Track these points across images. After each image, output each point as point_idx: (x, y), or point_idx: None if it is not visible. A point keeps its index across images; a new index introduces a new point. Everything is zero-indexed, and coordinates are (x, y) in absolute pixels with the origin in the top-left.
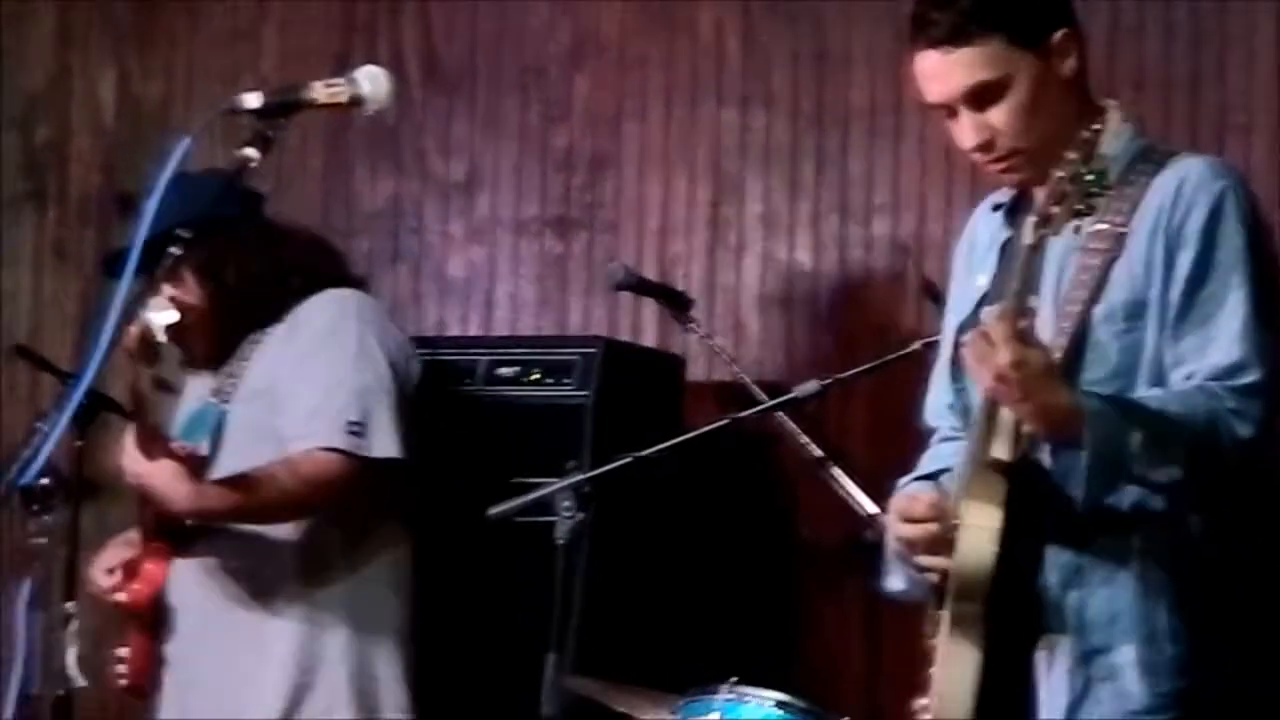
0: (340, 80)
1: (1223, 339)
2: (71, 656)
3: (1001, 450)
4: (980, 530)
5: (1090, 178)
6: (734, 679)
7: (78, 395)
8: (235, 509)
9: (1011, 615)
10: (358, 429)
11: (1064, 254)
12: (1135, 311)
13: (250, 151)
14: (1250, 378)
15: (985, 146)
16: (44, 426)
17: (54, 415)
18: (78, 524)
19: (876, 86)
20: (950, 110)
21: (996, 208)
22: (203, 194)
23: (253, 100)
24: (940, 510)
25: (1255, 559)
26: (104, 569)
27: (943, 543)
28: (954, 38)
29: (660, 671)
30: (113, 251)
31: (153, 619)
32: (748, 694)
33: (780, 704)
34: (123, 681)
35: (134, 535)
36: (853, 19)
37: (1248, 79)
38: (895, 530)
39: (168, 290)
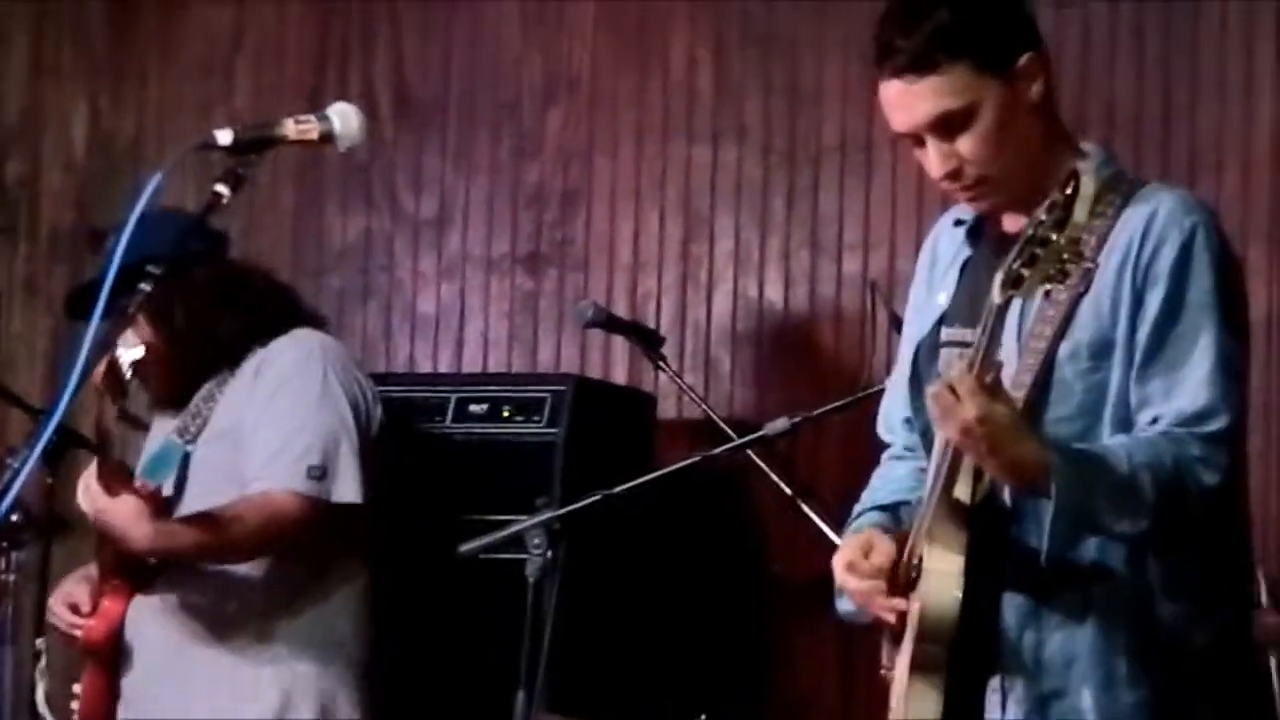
0: (311, 117)
1: (1190, 383)
2: (41, 693)
3: (963, 490)
4: (945, 575)
5: (1065, 247)
6: (703, 716)
7: (48, 431)
8: (194, 548)
9: (968, 654)
10: (318, 473)
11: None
12: (1101, 351)
13: (222, 188)
14: (1217, 425)
15: (953, 175)
16: (14, 463)
17: (24, 451)
18: (48, 560)
19: (848, 123)
20: (917, 139)
21: (958, 223)
22: (161, 233)
23: (224, 137)
24: (889, 562)
25: (1218, 606)
26: (63, 602)
27: (897, 584)
28: (918, 66)
29: (631, 708)
30: (74, 289)
31: (109, 656)
32: None
33: None
34: (77, 712)
35: (94, 569)
36: (825, 55)
37: (1219, 116)
38: (842, 580)
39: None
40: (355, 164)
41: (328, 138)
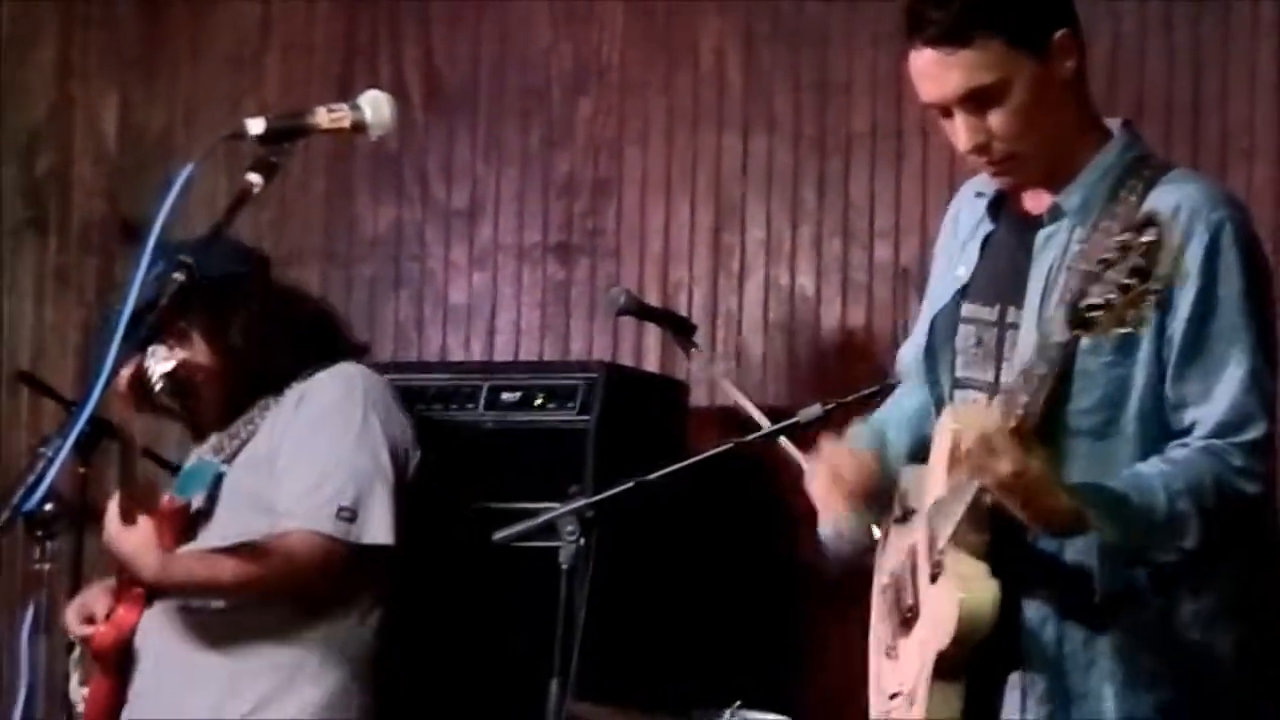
0: (343, 106)
1: (1227, 388)
2: (74, 683)
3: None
4: (976, 581)
5: (1149, 299)
6: (738, 703)
7: (81, 422)
8: (200, 586)
9: (987, 650)
10: (348, 515)
11: (1053, 264)
12: (1125, 346)
13: (254, 177)
14: (1255, 432)
15: (981, 149)
16: (47, 453)
17: (57, 442)
18: (81, 550)
19: (878, 111)
20: (944, 110)
21: (979, 195)
22: (208, 253)
23: (256, 126)
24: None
25: (1244, 609)
26: (78, 613)
27: (865, 496)
28: (952, 38)
29: (664, 695)
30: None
31: (116, 662)
32: (752, 717)
33: None
34: (81, 711)
35: (113, 581)
36: (854, 44)
37: (1250, 104)
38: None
39: (178, 353)
40: (386, 154)
41: (360, 126)
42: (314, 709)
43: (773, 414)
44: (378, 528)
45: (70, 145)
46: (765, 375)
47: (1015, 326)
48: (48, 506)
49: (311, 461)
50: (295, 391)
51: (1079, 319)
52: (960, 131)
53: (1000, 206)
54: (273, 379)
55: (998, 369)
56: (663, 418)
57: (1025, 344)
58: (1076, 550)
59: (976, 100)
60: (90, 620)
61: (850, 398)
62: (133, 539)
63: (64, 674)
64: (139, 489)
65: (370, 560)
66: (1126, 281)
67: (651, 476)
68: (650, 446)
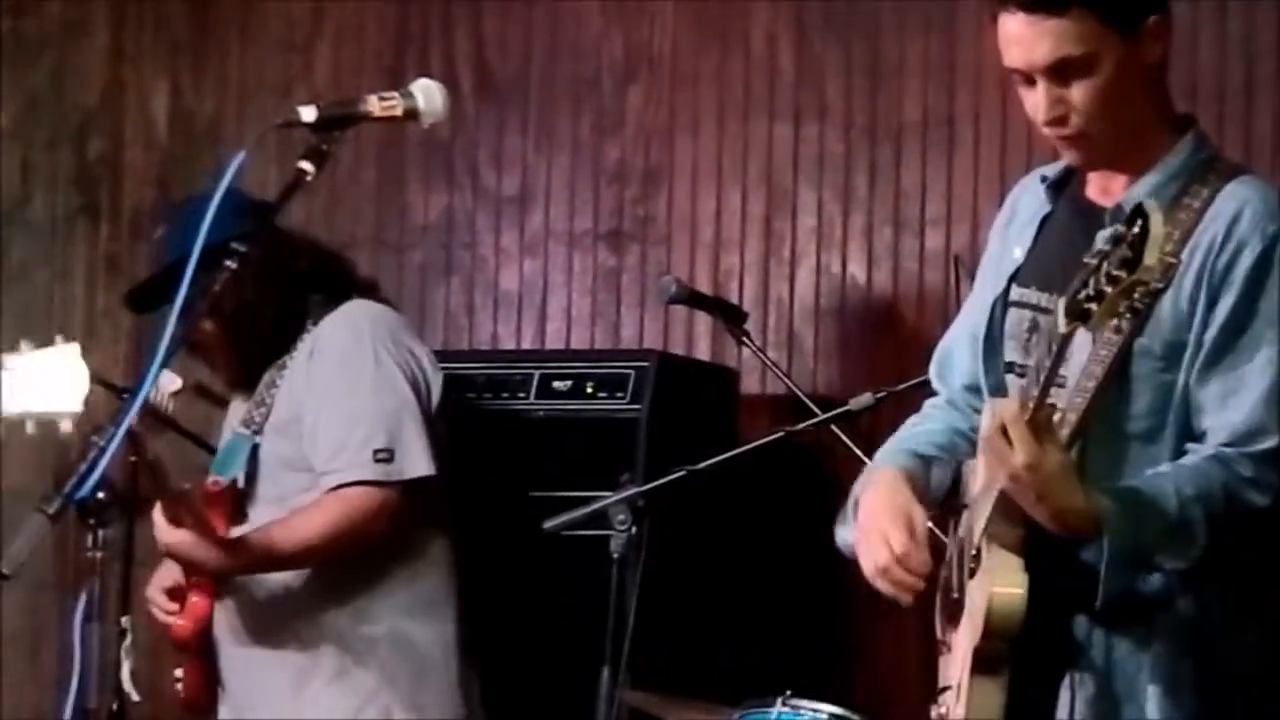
0: (395, 94)
1: (1246, 397)
2: (126, 671)
3: None
4: (1008, 574)
5: (1134, 287)
6: (788, 692)
7: (133, 410)
8: (264, 563)
9: (1038, 650)
10: (385, 455)
11: None
12: (1173, 353)
13: (306, 165)
14: (1267, 444)
15: (1058, 121)
16: (99, 441)
17: (109, 430)
18: (133, 538)
19: (930, 98)
20: (1027, 78)
21: (1044, 179)
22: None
23: (308, 114)
24: (929, 548)
25: (1265, 619)
26: (161, 588)
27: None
28: (1048, 5)
29: (715, 684)
30: (132, 288)
31: (201, 650)
32: (802, 707)
33: (834, 717)
34: (181, 696)
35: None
36: (906, 31)
37: None
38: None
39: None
40: (437, 142)
41: (411, 114)
42: (406, 656)
43: (824, 402)
44: (416, 460)
45: (121, 132)
46: (816, 363)
47: (1055, 406)
48: (100, 495)
49: (336, 414)
50: (305, 344)
51: (1075, 310)
52: (1040, 101)
53: (1061, 190)
54: (281, 334)
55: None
56: (714, 406)
57: (1080, 340)
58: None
59: (1061, 71)
60: (174, 593)
61: (901, 386)
62: (186, 540)
63: (116, 661)
64: (179, 490)
65: (418, 494)
66: (1116, 273)
67: (702, 465)
68: (701, 435)
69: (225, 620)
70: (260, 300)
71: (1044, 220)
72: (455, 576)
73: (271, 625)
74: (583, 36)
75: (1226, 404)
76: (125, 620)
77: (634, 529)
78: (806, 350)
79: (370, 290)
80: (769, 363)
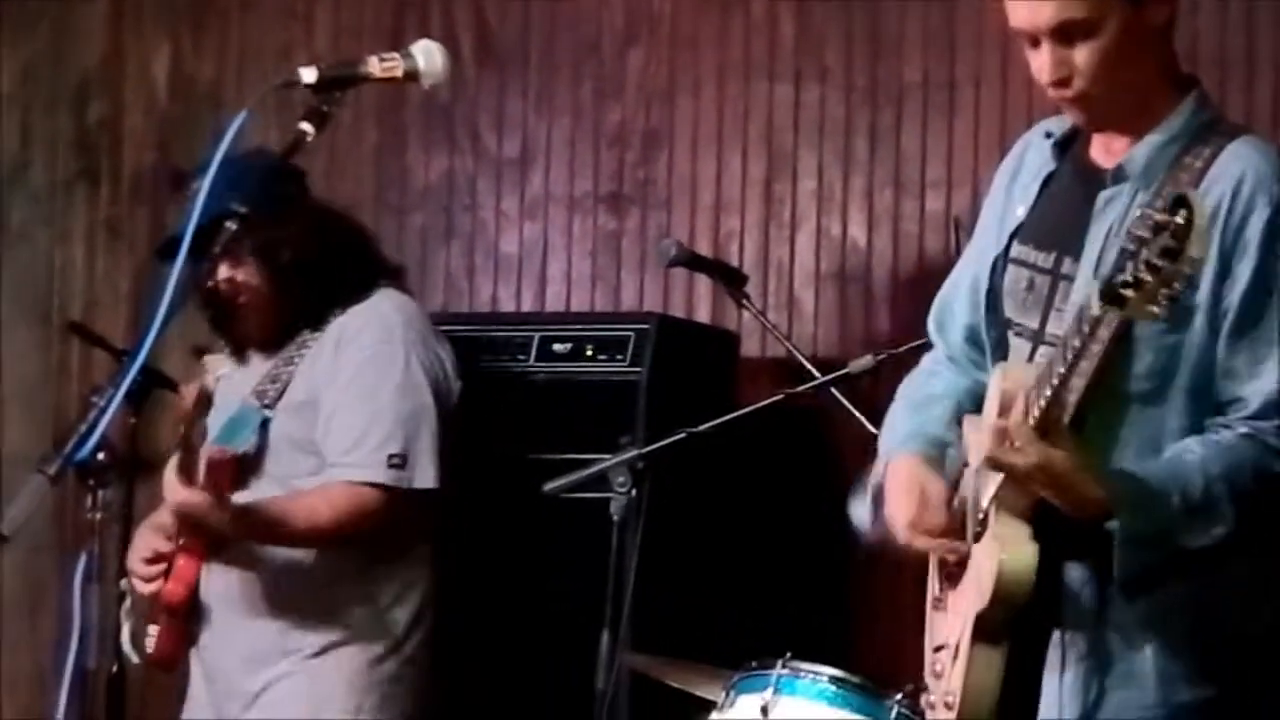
0: (395, 55)
1: (1277, 366)
2: (126, 632)
3: None
4: (1017, 542)
5: (1177, 276)
6: (788, 655)
7: (132, 372)
8: (268, 536)
9: (1029, 610)
10: (399, 461)
11: (1112, 227)
12: (1180, 315)
13: (306, 126)
14: None
15: (1062, 82)
16: (99, 403)
17: (109, 392)
18: (133, 500)
19: (930, 62)
20: (1032, 39)
21: (1048, 135)
22: (254, 175)
23: (308, 75)
24: (945, 512)
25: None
26: (142, 557)
27: (950, 529)
28: None
29: (715, 647)
30: (166, 237)
31: (186, 613)
32: (802, 670)
33: (835, 680)
34: (150, 654)
35: (164, 518)
36: None
37: None
38: (907, 537)
39: (226, 271)
40: (437, 104)
41: (412, 75)
42: (377, 651)
43: (824, 364)
44: (425, 472)
45: (121, 96)
46: (816, 326)
47: (1069, 279)
48: (99, 456)
49: (358, 411)
50: (334, 328)
51: (1111, 295)
52: (1045, 62)
53: (1066, 149)
54: (315, 305)
55: (1044, 316)
56: (714, 369)
57: (1077, 300)
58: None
59: (1066, 33)
60: (157, 558)
61: (901, 348)
62: (197, 497)
63: (115, 623)
64: (193, 460)
65: (419, 503)
66: (1157, 262)
67: (702, 428)
68: (701, 398)
69: (216, 584)
70: (313, 257)
71: (1047, 179)
72: (429, 600)
73: (260, 594)
74: None
75: (1257, 373)
76: (124, 582)
77: (634, 491)
78: (806, 313)
79: (397, 277)
80: (769, 325)
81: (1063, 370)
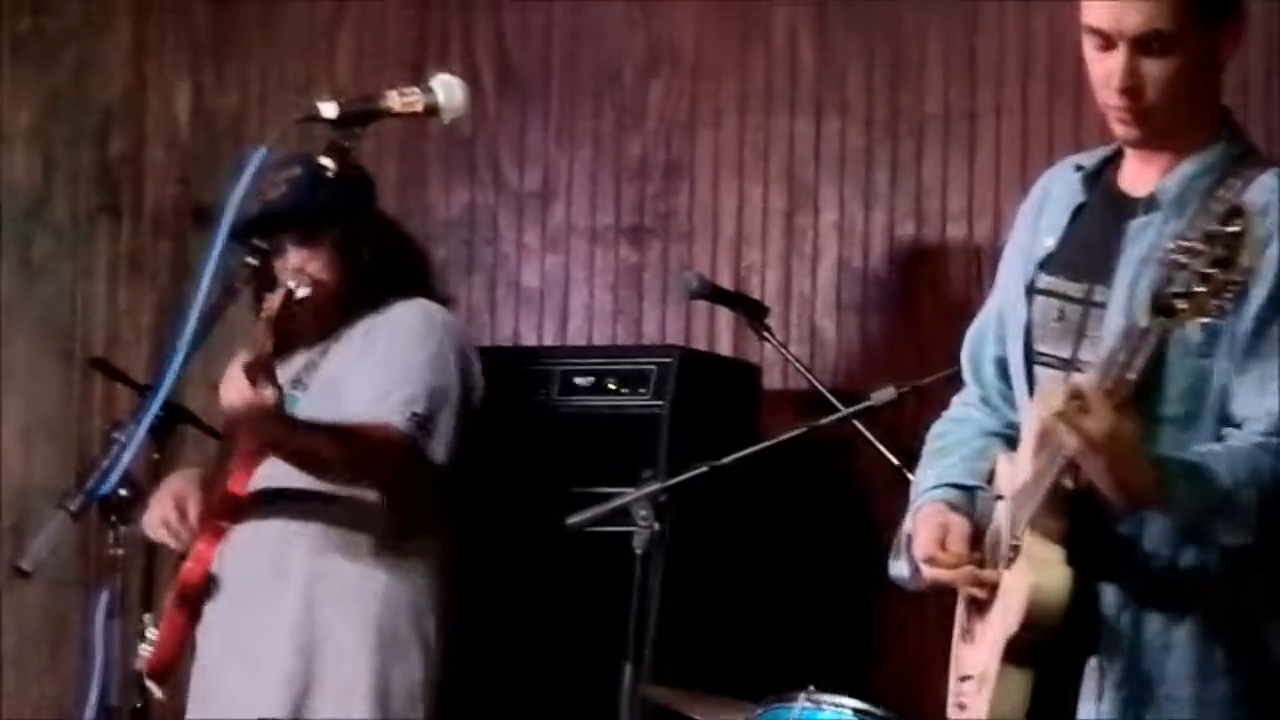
0: (415, 90)
1: None
2: (140, 655)
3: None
4: (1051, 565)
5: (1228, 284)
6: (811, 687)
7: (154, 407)
8: (315, 447)
9: (1063, 636)
10: (421, 420)
11: (1144, 255)
12: (1208, 340)
13: (326, 161)
14: None
15: (1131, 92)
16: (121, 438)
17: (131, 427)
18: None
19: (951, 92)
20: (1106, 42)
21: (1078, 169)
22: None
23: (329, 109)
24: (967, 546)
25: None
26: (175, 505)
27: (982, 560)
28: None
29: (737, 680)
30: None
31: (198, 599)
32: (825, 702)
33: (858, 712)
34: (144, 664)
35: (188, 476)
36: (927, 24)
37: None
38: (931, 574)
39: (297, 260)
40: (458, 137)
41: (432, 110)
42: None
43: (846, 396)
44: (439, 447)
45: (143, 129)
46: (838, 358)
47: (1101, 306)
48: (121, 491)
49: (385, 370)
50: (365, 322)
51: (1162, 306)
52: (1119, 68)
53: (1096, 181)
54: (369, 305)
55: (1076, 346)
56: (736, 401)
57: (1111, 328)
58: (1153, 538)
59: (1147, 43)
60: (181, 512)
61: (924, 380)
62: (262, 398)
63: (138, 657)
64: (262, 361)
65: (432, 483)
66: (1209, 271)
67: (725, 460)
68: (723, 430)
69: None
70: (381, 259)
71: (1077, 210)
72: (444, 575)
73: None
74: (604, 31)
75: (1264, 391)
76: (147, 617)
77: (656, 525)
78: (828, 345)
79: (446, 302)
80: (791, 358)
81: (1123, 360)
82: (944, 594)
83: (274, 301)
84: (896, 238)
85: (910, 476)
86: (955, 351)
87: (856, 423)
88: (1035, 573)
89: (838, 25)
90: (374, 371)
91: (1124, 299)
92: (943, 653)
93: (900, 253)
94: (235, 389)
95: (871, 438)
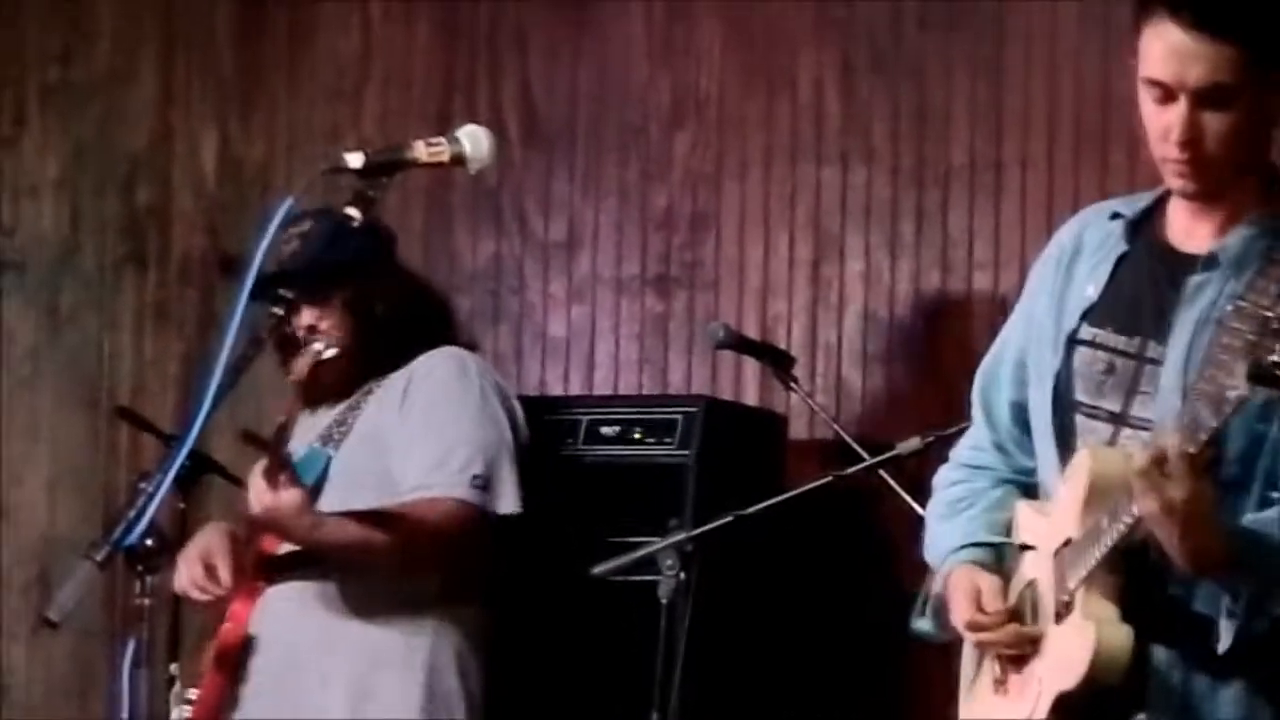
0: (442, 139)
1: None
2: (175, 718)
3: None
4: (1111, 624)
5: None
6: None
7: (180, 457)
8: (351, 548)
9: (1113, 691)
10: (482, 483)
11: (1203, 315)
12: (1266, 412)
13: (352, 211)
14: None
15: (1190, 145)
16: (147, 487)
17: (157, 476)
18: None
19: (976, 142)
20: (1166, 95)
21: (1116, 216)
22: (353, 231)
23: (355, 159)
24: (1003, 604)
25: None
26: (201, 560)
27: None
28: (1216, 28)
29: None
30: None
31: (238, 659)
32: None
33: None
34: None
35: (219, 532)
36: (953, 75)
37: None
38: (975, 639)
39: (310, 318)
40: (484, 187)
41: (458, 160)
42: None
43: (872, 446)
44: (507, 499)
45: (170, 179)
46: (864, 407)
47: (1154, 362)
48: (148, 541)
49: (438, 436)
50: (401, 374)
51: (1263, 376)
52: (1179, 121)
53: (1137, 230)
54: (390, 360)
55: (1127, 400)
56: (761, 451)
57: (1168, 386)
58: (1202, 600)
59: (1209, 96)
60: (210, 572)
61: (949, 430)
62: (283, 501)
63: (165, 708)
64: (281, 462)
65: (499, 531)
66: None
67: (750, 510)
68: (749, 480)
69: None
70: (394, 316)
71: (1120, 259)
72: (488, 630)
73: (308, 626)
74: (630, 82)
75: None
76: (174, 667)
77: (682, 574)
78: (854, 395)
79: (472, 348)
80: (817, 407)
81: (1212, 428)
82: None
83: (302, 367)
84: (922, 288)
85: None
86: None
87: (882, 472)
88: (1097, 629)
89: (863, 75)
90: (421, 439)
91: (1180, 358)
92: None
93: (926, 303)
94: (259, 494)
95: (897, 487)
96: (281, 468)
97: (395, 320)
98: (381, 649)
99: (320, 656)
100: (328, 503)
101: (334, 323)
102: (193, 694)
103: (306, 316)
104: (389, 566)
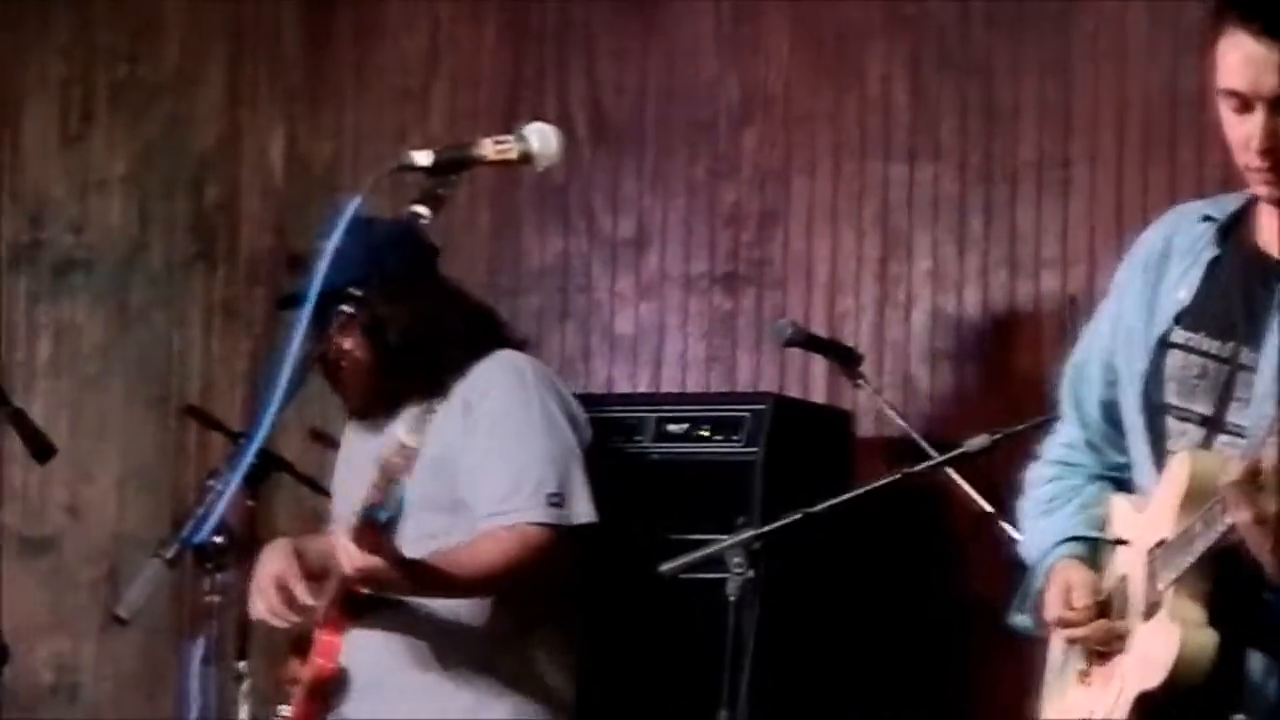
0: (510, 137)
1: None
2: (244, 715)
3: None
4: (1197, 627)
5: None
6: None
7: (249, 455)
8: (441, 588)
9: (1206, 694)
10: (557, 499)
11: None
12: None
13: (421, 209)
14: None
15: (1270, 153)
16: (216, 485)
17: (226, 474)
18: (250, 582)
19: (1045, 140)
20: (1243, 104)
21: (1207, 219)
22: (377, 246)
23: (423, 158)
24: (1093, 601)
25: None
26: (276, 583)
27: (1101, 613)
28: None
29: None
30: (285, 295)
31: (333, 690)
32: None
33: None
34: None
35: (284, 554)
36: (1021, 71)
37: None
38: (1068, 635)
39: (338, 337)
40: (552, 185)
41: (526, 158)
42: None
43: (940, 444)
44: (583, 507)
45: (238, 178)
46: (932, 405)
47: (1248, 369)
48: (217, 539)
49: (506, 458)
50: (459, 390)
51: None
52: (1257, 129)
53: (1228, 234)
54: (429, 378)
55: (1220, 405)
56: (830, 448)
57: (1261, 393)
58: None
59: None
60: (287, 596)
61: (1017, 428)
62: (379, 565)
63: (234, 706)
64: (371, 524)
65: (580, 541)
66: None
67: (818, 507)
68: (817, 477)
69: (361, 647)
70: (422, 338)
71: (1212, 263)
72: (576, 637)
73: (399, 659)
74: (698, 78)
75: None
76: (243, 665)
77: (750, 572)
78: (922, 392)
79: (521, 345)
80: (885, 405)
81: None
82: (1041, 643)
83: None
84: (989, 285)
85: (1003, 524)
86: (1048, 399)
87: (949, 470)
88: (1182, 633)
89: (931, 71)
90: (490, 464)
91: (1274, 366)
92: (1038, 696)
93: (993, 300)
94: (354, 560)
95: (964, 484)
96: (372, 530)
97: (413, 344)
98: (470, 677)
99: (417, 694)
100: (407, 531)
101: (354, 344)
102: (286, 710)
103: (336, 335)
104: (471, 595)
